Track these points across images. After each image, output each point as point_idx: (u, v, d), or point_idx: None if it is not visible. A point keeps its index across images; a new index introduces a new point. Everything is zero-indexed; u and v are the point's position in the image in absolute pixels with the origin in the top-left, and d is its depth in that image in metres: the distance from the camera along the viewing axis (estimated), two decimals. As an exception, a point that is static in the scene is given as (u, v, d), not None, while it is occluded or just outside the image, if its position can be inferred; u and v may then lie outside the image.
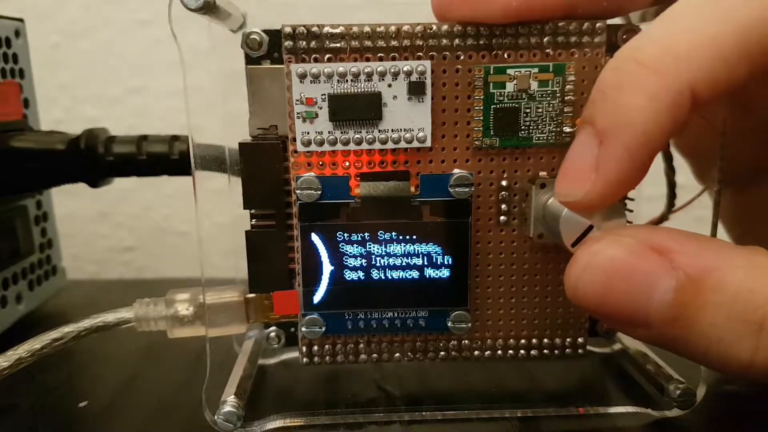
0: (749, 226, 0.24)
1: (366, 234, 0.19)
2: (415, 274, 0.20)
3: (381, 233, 0.19)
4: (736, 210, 0.24)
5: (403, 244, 0.19)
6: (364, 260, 0.19)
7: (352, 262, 0.19)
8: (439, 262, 0.20)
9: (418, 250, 0.20)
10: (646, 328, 0.16)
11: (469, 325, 0.20)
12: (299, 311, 0.20)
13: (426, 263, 0.20)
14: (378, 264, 0.20)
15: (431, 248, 0.20)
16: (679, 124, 0.16)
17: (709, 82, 0.15)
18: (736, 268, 0.15)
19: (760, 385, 0.16)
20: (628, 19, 0.21)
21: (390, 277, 0.20)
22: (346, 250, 0.19)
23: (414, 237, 0.19)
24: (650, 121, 0.15)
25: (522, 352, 0.21)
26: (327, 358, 0.21)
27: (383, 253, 0.19)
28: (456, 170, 0.20)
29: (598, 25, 0.19)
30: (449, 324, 0.20)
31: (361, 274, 0.20)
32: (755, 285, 0.15)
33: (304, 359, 0.21)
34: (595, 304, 0.16)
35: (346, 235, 0.19)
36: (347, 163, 0.20)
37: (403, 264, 0.20)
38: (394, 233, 0.19)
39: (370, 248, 0.19)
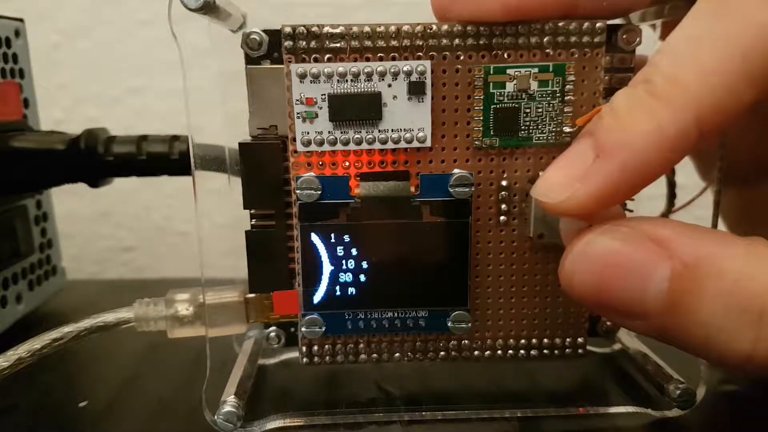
0: (752, 226, 0.24)
1: (366, 234, 0.19)
2: (415, 274, 0.20)
3: (380, 233, 0.19)
4: (739, 210, 0.24)
5: (403, 244, 0.19)
6: (363, 260, 0.19)
7: (351, 262, 0.19)
8: (439, 262, 0.20)
9: (418, 250, 0.20)
10: (643, 318, 0.16)
11: (469, 325, 0.20)
12: (299, 311, 0.20)
13: (426, 263, 0.20)
14: (378, 264, 0.20)
15: (431, 248, 0.20)
16: (681, 156, 0.16)
17: (716, 113, 0.15)
18: (735, 256, 0.15)
19: (760, 380, 0.16)
20: (628, 19, 0.21)
21: (390, 277, 0.20)
22: (346, 250, 0.19)
23: (414, 237, 0.19)
24: (652, 148, 0.15)
25: (522, 352, 0.21)
26: (327, 358, 0.21)
27: (383, 253, 0.19)
28: (456, 170, 0.20)
29: (598, 25, 0.19)
30: (449, 324, 0.20)
31: (361, 274, 0.20)
32: (754, 272, 0.15)
33: (304, 359, 0.21)
34: (590, 294, 0.16)
35: (346, 235, 0.19)
36: (347, 163, 0.19)
37: (403, 264, 0.20)
38: (393, 233, 0.19)
39: (369, 248, 0.19)
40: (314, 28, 0.19)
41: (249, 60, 0.20)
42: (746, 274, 0.15)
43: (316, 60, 0.19)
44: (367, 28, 0.19)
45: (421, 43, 0.19)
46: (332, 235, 0.19)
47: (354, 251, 0.19)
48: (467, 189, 0.19)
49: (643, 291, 0.15)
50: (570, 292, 0.17)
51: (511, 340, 0.21)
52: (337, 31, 0.19)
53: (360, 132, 0.19)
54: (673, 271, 0.15)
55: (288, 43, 0.19)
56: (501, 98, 0.19)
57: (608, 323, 0.23)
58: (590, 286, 0.16)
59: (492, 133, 0.20)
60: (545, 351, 0.21)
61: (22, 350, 0.19)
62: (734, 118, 0.16)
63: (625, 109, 0.16)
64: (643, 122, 0.15)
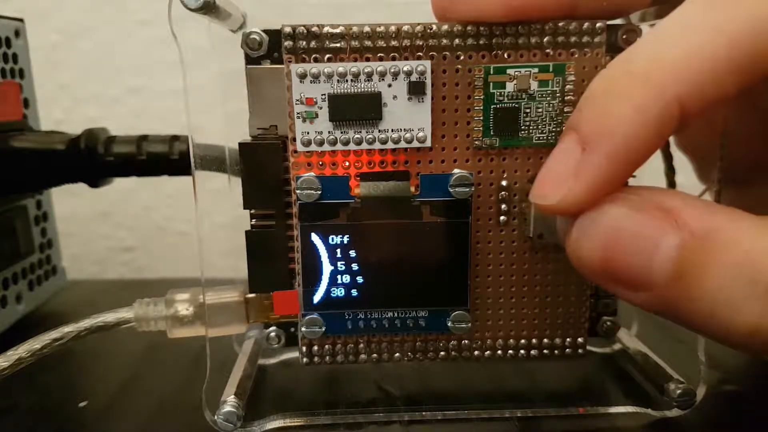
0: None
1: (366, 234, 0.19)
2: (415, 274, 0.20)
3: (380, 233, 0.19)
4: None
5: (402, 244, 0.19)
6: (363, 260, 0.19)
7: (351, 262, 0.19)
8: (439, 262, 0.20)
9: (418, 250, 0.20)
10: (648, 289, 0.15)
11: (469, 325, 0.20)
12: (299, 311, 0.20)
13: (426, 263, 0.20)
14: (378, 264, 0.20)
15: (431, 248, 0.20)
16: (665, 137, 0.16)
17: (697, 95, 0.15)
18: (745, 228, 0.15)
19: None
20: (628, 19, 0.21)
21: (390, 277, 0.20)
22: (346, 250, 0.19)
23: (414, 237, 0.19)
24: (634, 132, 0.15)
25: (522, 352, 0.21)
26: (327, 358, 0.21)
27: (383, 253, 0.19)
28: (456, 170, 0.20)
29: (598, 25, 0.19)
30: (449, 324, 0.20)
31: (361, 274, 0.20)
32: (764, 246, 0.14)
33: (304, 359, 0.21)
34: (596, 261, 0.16)
35: (346, 235, 0.19)
36: (347, 163, 0.19)
37: (403, 264, 0.20)
38: (393, 233, 0.19)
39: (369, 248, 0.19)
40: (314, 28, 0.19)
41: (249, 60, 0.20)
42: (756, 246, 0.14)
43: (316, 60, 0.19)
44: (367, 28, 0.19)
45: (421, 43, 0.19)
46: (332, 235, 0.19)
47: (354, 251, 0.19)
48: (467, 189, 0.19)
49: (650, 259, 0.15)
50: (576, 261, 0.17)
51: (511, 340, 0.21)
52: (337, 31, 0.19)
53: (360, 132, 0.19)
54: (682, 240, 0.15)
55: (288, 43, 0.19)
56: (501, 98, 0.19)
57: (608, 323, 0.23)
58: (596, 252, 0.16)
59: (492, 133, 0.20)
60: (545, 351, 0.21)
61: (22, 350, 0.19)
62: (716, 104, 0.15)
63: (601, 94, 0.16)
64: (621, 105, 0.15)
